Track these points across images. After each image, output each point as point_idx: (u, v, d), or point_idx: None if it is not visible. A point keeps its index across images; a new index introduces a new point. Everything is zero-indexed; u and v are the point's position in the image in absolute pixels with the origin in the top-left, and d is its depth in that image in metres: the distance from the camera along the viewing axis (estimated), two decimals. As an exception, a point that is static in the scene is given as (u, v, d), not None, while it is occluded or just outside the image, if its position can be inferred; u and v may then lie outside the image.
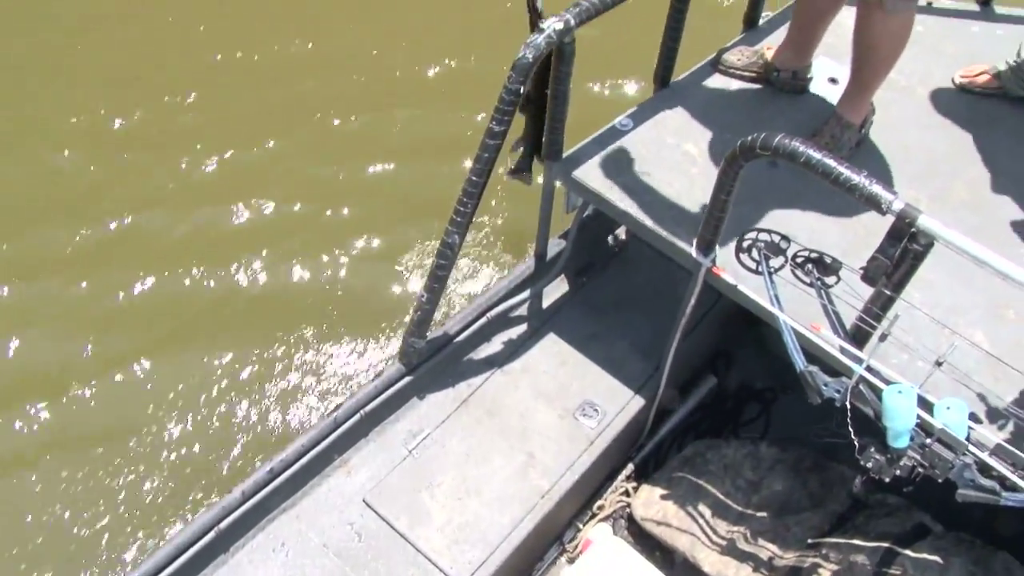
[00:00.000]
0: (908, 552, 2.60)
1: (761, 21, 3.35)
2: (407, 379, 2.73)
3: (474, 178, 2.34)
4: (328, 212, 4.53)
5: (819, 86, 3.12)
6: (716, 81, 3.09)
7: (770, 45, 3.15)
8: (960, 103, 3.16)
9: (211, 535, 2.42)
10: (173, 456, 3.60)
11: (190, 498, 3.49)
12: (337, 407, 2.63)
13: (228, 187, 4.60)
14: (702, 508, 2.91)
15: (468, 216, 2.40)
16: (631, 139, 2.78)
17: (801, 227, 2.59)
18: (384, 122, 5.01)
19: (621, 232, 3.38)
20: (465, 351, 2.89)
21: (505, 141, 2.34)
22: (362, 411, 2.65)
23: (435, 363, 2.79)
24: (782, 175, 2.72)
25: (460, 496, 2.63)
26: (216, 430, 3.69)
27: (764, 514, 2.90)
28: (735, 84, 3.08)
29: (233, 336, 4.01)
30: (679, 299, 2.57)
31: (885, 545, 2.67)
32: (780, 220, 2.58)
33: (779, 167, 2.74)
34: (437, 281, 2.52)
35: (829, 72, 3.17)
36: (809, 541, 2.82)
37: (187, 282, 4.20)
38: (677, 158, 2.74)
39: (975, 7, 3.62)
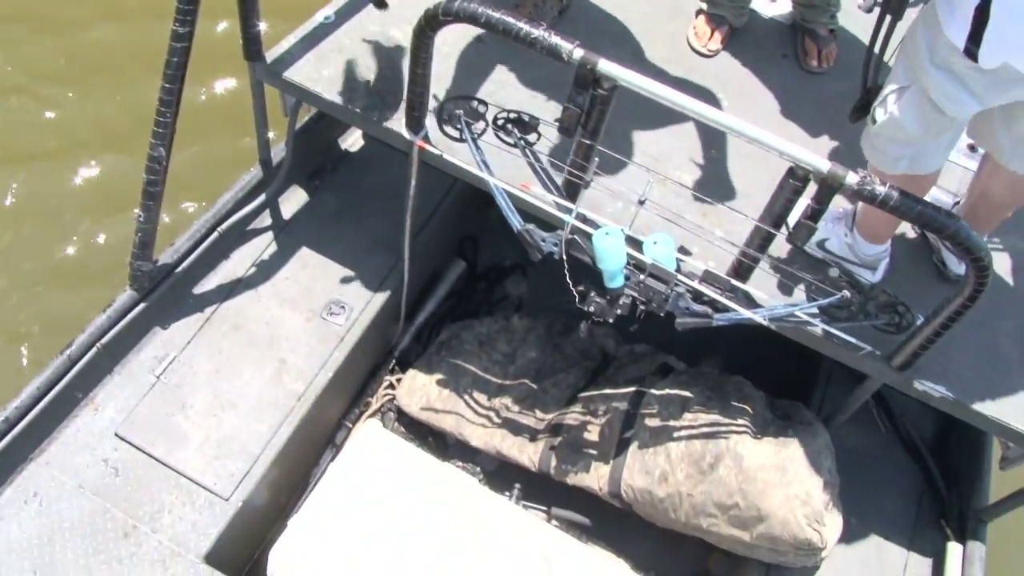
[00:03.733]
0: (653, 391, 2.77)
1: None
2: (142, 305, 2.62)
3: (167, 85, 2.22)
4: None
5: (521, -39, 3.14)
6: (418, -35, 3.05)
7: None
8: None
9: None
10: None
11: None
12: (69, 343, 2.49)
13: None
14: (463, 387, 2.98)
15: (169, 127, 2.28)
16: (335, 32, 2.72)
17: (513, 96, 2.63)
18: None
19: (356, 134, 3.34)
20: (202, 269, 2.80)
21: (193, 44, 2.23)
22: (98, 344, 2.53)
23: (171, 285, 2.69)
24: (491, 50, 2.75)
25: (215, 413, 2.57)
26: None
27: (522, 382, 3.01)
28: (437, -34, 3.06)
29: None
30: None
31: (633, 389, 2.83)
32: (491, 92, 2.62)
33: (486, 42, 2.77)
34: (151, 198, 2.41)
35: (530, -54, 3.20)
36: (567, 399, 2.96)
37: None
38: (382, 44, 2.71)
39: None
